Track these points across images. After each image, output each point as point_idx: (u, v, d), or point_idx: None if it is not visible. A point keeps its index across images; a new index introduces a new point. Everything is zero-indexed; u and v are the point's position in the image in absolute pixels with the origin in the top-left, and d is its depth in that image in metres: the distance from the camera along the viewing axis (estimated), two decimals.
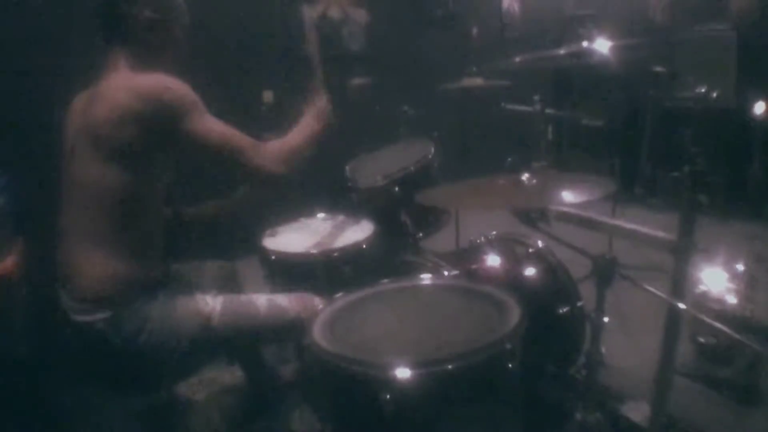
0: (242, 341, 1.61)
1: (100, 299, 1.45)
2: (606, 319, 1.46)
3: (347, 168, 2.36)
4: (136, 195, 1.46)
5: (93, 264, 1.46)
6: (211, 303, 1.56)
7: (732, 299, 2.08)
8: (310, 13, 4.00)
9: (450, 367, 1.14)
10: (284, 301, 1.63)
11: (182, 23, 1.61)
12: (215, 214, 1.86)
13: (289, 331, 1.61)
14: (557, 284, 1.89)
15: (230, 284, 1.85)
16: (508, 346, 1.22)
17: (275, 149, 1.54)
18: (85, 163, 1.45)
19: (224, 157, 1.47)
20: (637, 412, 1.77)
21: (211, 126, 1.47)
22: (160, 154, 1.48)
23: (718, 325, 1.31)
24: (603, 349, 1.49)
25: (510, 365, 1.25)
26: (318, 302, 1.63)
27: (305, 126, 1.68)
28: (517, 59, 1.96)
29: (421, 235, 2.19)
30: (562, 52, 1.80)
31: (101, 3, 1.52)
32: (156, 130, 1.41)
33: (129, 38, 1.51)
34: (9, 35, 2.80)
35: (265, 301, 1.62)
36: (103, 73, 1.51)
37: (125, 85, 1.44)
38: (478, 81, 3.28)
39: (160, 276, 1.60)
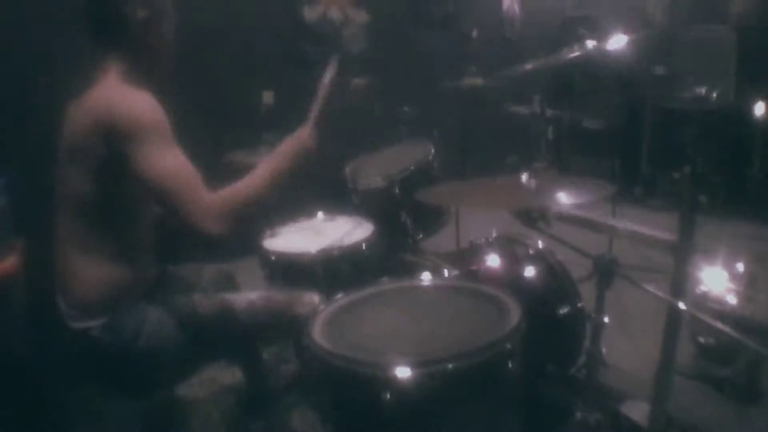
0: (240, 341, 1.61)
1: (94, 306, 1.44)
2: (606, 319, 1.46)
3: (347, 168, 2.36)
4: (119, 202, 1.44)
5: (84, 271, 1.45)
6: (208, 304, 1.56)
7: (732, 299, 2.08)
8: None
9: (450, 366, 1.14)
10: (281, 299, 1.63)
11: (172, 23, 1.56)
12: None
13: (287, 330, 1.61)
14: (557, 284, 1.89)
15: (228, 288, 1.85)
16: (509, 346, 1.22)
17: (217, 205, 1.36)
18: (70, 171, 1.43)
19: (161, 198, 1.36)
20: (637, 411, 1.77)
21: (159, 161, 1.33)
22: (128, 167, 1.39)
23: (718, 325, 1.30)
24: (603, 349, 1.49)
25: (510, 365, 1.25)
26: (315, 299, 1.63)
27: (267, 166, 1.51)
28: (528, 66, 1.96)
29: (421, 235, 2.19)
30: (570, 56, 1.80)
31: (91, 4, 1.47)
32: (115, 147, 1.35)
33: (122, 40, 1.46)
34: (9, 34, 2.80)
35: (262, 299, 1.62)
36: (94, 78, 1.47)
37: (101, 96, 1.41)
38: (479, 81, 3.29)
39: (154, 280, 1.60)
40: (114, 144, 1.35)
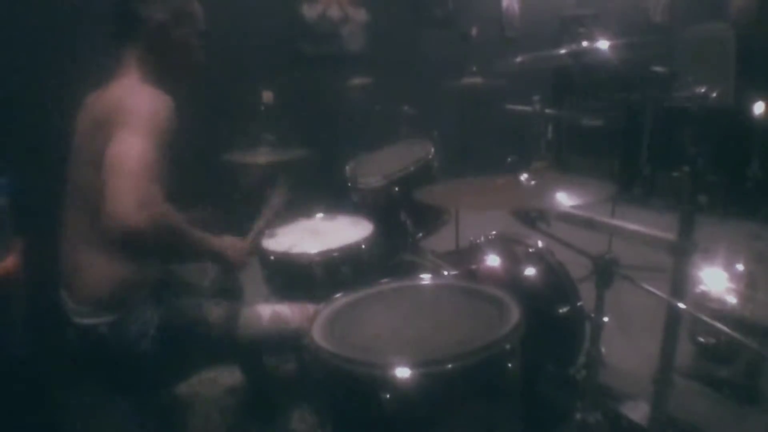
0: (244, 350, 1.61)
1: (102, 303, 1.45)
2: (606, 319, 1.46)
3: (347, 168, 2.36)
4: None
5: (93, 267, 1.46)
6: (215, 312, 1.56)
7: (732, 299, 2.08)
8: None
9: (449, 366, 1.14)
10: (287, 312, 1.64)
11: (197, 29, 1.59)
12: (210, 219, 1.85)
13: (290, 342, 1.61)
14: (557, 284, 1.89)
15: (231, 287, 1.85)
16: (508, 346, 1.22)
17: (152, 209, 1.26)
18: (80, 166, 1.45)
19: (105, 178, 1.28)
20: (637, 411, 1.77)
21: (122, 145, 1.29)
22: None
23: (717, 324, 1.31)
24: (603, 349, 1.49)
25: (509, 365, 1.25)
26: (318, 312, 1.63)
27: (204, 235, 1.51)
28: (518, 59, 1.96)
29: (420, 235, 2.19)
30: (562, 51, 1.80)
31: (116, 3, 1.51)
32: (108, 137, 1.34)
33: (140, 40, 1.50)
34: (11, 35, 2.80)
35: (268, 311, 1.62)
36: (114, 76, 1.50)
37: (114, 93, 1.43)
38: (478, 80, 3.29)
39: (161, 279, 1.60)
40: (109, 133, 1.35)
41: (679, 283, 1.39)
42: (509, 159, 1.74)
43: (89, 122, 1.43)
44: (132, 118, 1.35)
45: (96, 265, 1.45)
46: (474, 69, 3.87)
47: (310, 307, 1.65)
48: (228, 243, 1.61)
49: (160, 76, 1.50)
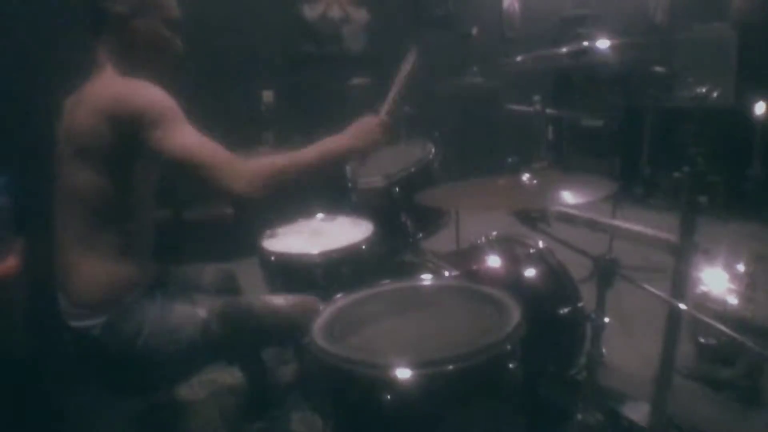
0: (241, 344, 1.61)
1: (95, 304, 1.44)
2: (606, 320, 1.46)
3: (347, 168, 2.35)
4: (120, 198, 1.44)
5: (84, 268, 1.45)
6: (209, 306, 1.55)
7: (732, 300, 2.08)
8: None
9: (450, 367, 1.14)
10: (283, 304, 1.63)
11: (166, 18, 1.54)
12: (216, 217, 1.85)
13: (287, 334, 1.61)
14: (558, 285, 1.89)
15: (230, 287, 1.85)
16: (509, 347, 1.22)
17: (252, 169, 1.39)
18: (70, 167, 1.43)
19: (193, 171, 1.37)
20: (638, 412, 1.77)
21: (182, 139, 1.38)
22: (138, 159, 1.43)
23: (718, 325, 1.30)
24: (603, 350, 1.49)
25: (510, 366, 1.24)
26: (317, 304, 1.63)
27: (322, 144, 1.49)
28: (519, 58, 1.96)
29: (421, 235, 2.18)
30: (563, 50, 1.80)
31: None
32: (128, 136, 1.37)
33: (108, 34, 1.48)
34: (9, 34, 2.80)
35: (263, 303, 1.61)
36: (91, 73, 1.48)
37: (104, 89, 1.42)
38: (479, 80, 3.28)
39: (154, 278, 1.59)
40: (134, 134, 1.36)
41: (680, 283, 1.39)
42: (510, 159, 1.74)
43: (83, 122, 1.40)
44: (163, 115, 1.37)
45: (87, 266, 1.45)
46: (474, 69, 3.87)
47: (306, 298, 1.64)
48: (356, 131, 1.55)
49: (136, 69, 1.48)
